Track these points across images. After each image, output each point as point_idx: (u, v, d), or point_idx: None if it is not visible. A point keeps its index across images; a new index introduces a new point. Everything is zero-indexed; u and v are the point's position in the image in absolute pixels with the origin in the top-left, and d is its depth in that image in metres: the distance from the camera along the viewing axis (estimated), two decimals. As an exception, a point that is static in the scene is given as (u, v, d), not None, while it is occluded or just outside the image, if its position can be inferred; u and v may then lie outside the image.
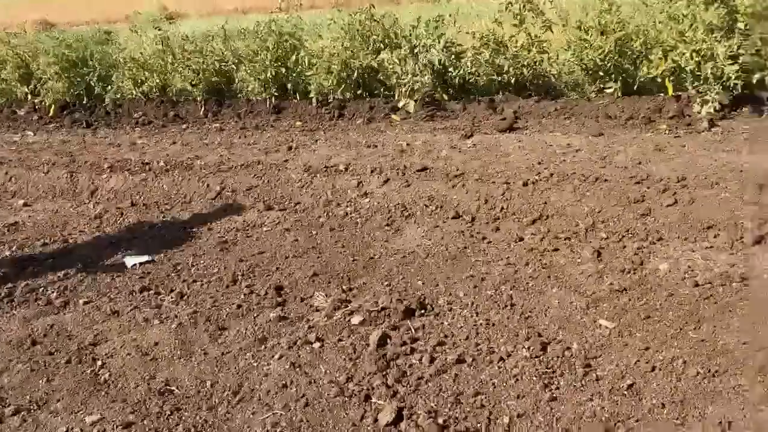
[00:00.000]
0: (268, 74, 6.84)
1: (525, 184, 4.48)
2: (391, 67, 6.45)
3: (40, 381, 2.91)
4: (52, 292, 3.72)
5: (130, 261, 4.03)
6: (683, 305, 3.04)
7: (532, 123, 5.93)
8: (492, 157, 5.14)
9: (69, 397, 2.78)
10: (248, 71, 6.98)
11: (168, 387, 2.80)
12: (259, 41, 6.98)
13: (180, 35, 7.76)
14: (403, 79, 6.30)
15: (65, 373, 2.95)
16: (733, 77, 5.44)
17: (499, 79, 6.46)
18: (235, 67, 7.28)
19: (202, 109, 7.22)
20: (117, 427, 2.58)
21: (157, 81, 7.49)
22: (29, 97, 8.22)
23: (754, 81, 5.58)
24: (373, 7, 6.79)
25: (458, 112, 6.34)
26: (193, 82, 7.28)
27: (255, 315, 3.30)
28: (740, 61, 5.54)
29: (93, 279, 3.86)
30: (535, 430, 2.38)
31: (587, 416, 2.41)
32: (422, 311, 3.21)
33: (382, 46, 6.72)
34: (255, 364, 2.90)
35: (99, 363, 3.00)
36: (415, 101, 6.30)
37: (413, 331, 3.04)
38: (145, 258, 4.06)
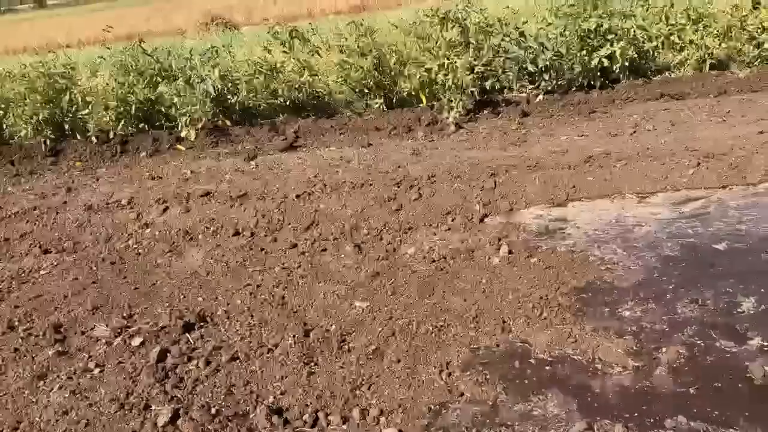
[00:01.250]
0: (41, 116, 6.62)
1: (298, 197, 4.93)
2: (170, 98, 6.60)
3: None
4: None
5: None
6: (422, 278, 3.64)
7: (311, 140, 6.43)
8: (273, 176, 5.54)
9: None
10: (17, 115, 6.70)
11: (-62, 441, 2.79)
12: (27, 83, 6.74)
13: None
14: (183, 110, 6.48)
15: None
16: (470, 85, 6.41)
17: (278, 102, 6.89)
18: (2, 113, 6.93)
19: (-31, 160, 6.77)
20: None
21: None
22: None
23: (488, 87, 6.61)
24: (143, 41, 6.89)
25: (243, 136, 6.65)
26: (-46, 133, 6.81)
27: (34, 355, 3.33)
28: (476, 71, 6.53)
29: None
30: (294, 402, 2.77)
31: (338, 381, 2.86)
32: (202, 323, 3.47)
33: (159, 79, 6.84)
34: (34, 400, 2.97)
35: None
36: (198, 130, 6.50)
37: (192, 342, 3.30)
38: None
